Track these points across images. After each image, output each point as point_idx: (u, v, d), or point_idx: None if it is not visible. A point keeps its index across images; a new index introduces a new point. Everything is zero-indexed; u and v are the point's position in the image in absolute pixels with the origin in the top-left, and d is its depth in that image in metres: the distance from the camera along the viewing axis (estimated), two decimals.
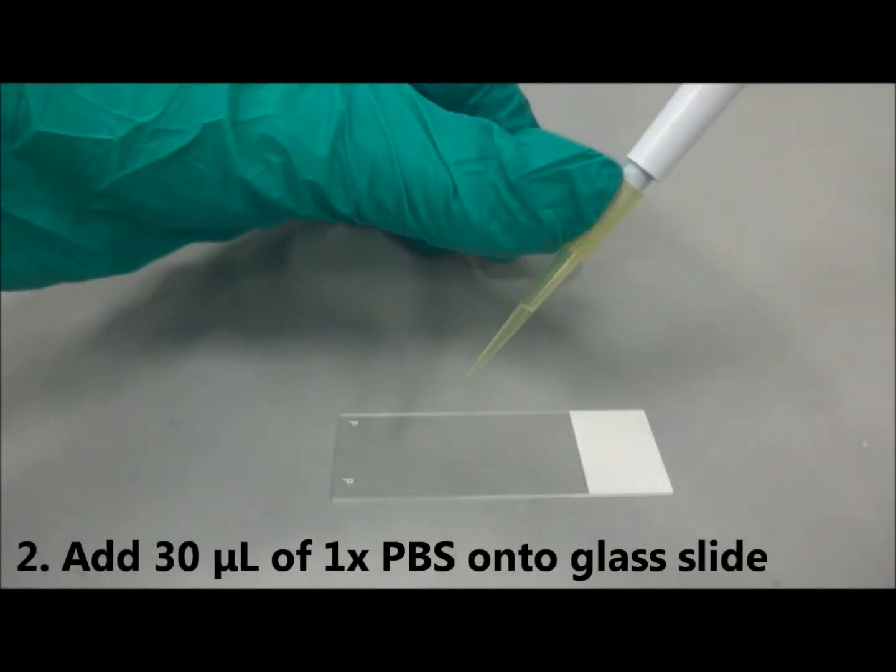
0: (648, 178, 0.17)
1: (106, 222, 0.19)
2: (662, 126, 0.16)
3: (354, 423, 0.22)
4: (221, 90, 0.16)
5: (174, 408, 0.23)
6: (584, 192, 0.16)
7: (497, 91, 0.22)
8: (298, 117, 0.17)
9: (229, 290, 0.26)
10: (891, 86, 0.39)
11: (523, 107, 0.23)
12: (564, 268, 0.17)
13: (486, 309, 0.26)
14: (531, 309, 0.18)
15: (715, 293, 0.28)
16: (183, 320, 0.26)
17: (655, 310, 0.27)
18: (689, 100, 0.16)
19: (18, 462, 0.21)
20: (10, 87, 0.16)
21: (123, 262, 0.20)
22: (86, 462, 0.21)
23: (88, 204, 0.18)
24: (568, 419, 0.23)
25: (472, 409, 0.23)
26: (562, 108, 0.38)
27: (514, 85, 0.22)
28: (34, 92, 0.16)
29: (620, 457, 0.22)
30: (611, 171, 0.16)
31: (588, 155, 0.16)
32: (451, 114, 0.17)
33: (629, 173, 0.17)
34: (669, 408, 0.23)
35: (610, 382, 0.24)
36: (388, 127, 0.17)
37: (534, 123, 0.23)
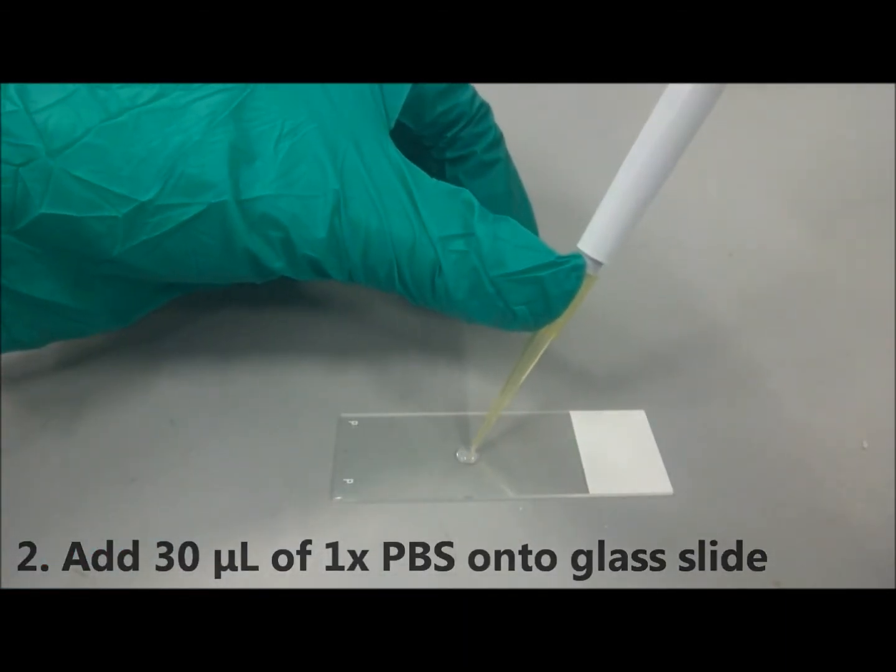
0: (599, 263, 0.18)
1: (106, 284, 0.20)
2: (605, 213, 0.17)
3: (354, 423, 0.22)
4: (220, 165, 0.17)
5: (174, 408, 0.23)
6: (554, 293, 0.18)
7: (473, 125, 0.22)
8: (296, 196, 0.17)
9: (229, 290, 0.26)
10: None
11: (498, 140, 0.23)
12: (540, 348, 0.19)
13: None
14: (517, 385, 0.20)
15: (715, 293, 0.28)
16: (183, 320, 0.26)
17: (655, 310, 0.27)
18: (626, 184, 0.17)
19: (19, 462, 0.21)
20: (4, 174, 0.16)
21: (120, 319, 0.21)
22: (86, 462, 0.21)
23: (89, 270, 0.19)
24: (568, 419, 0.23)
25: (471, 409, 0.23)
26: (561, 108, 0.38)
27: (490, 119, 0.23)
28: (30, 174, 0.16)
29: (620, 457, 0.22)
30: (578, 274, 0.18)
31: (558, 262, 0.18)
32: (435, 182, 0.18)
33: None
34: (669, 408, 0.23)
35: (610, 382, 0.24)
36: (380, 200, 0.17)
37: (508, 157, 0.24)
